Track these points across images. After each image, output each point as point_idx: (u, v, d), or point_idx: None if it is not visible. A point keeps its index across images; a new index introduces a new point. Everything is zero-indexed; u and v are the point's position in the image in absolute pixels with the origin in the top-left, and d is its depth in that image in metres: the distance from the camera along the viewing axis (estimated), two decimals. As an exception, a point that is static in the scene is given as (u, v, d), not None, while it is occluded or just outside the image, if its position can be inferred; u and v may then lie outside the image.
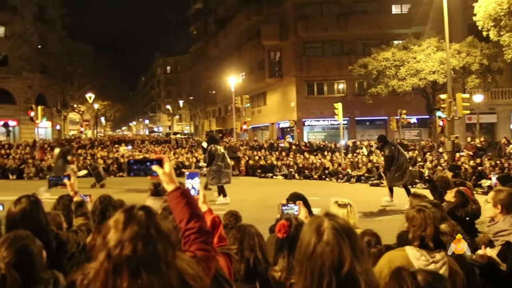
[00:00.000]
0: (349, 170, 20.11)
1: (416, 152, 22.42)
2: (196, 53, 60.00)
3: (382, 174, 11.89)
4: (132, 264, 1.25)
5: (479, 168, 17.12)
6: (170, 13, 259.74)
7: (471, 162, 18.04)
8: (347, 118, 29.45)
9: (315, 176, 20.75)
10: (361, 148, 24.16)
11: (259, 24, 36.76)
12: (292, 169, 21.39)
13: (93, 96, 47.18)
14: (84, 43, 64.23)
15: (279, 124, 37.58)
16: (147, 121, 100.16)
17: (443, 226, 3.22)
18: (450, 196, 5.39)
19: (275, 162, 22.29)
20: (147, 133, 79.96)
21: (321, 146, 26.45)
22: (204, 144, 15.24)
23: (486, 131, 29.66)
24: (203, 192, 2.92)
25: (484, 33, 20.60)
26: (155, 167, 1.82)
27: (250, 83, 39.74)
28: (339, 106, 22.17)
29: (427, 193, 6.52)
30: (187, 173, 3.00)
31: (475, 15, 20.06)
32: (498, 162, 17.92)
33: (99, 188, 16.05)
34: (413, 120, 31.12)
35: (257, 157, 23.51)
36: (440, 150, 21.22)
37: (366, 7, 33.63)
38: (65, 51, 50.46)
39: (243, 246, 2.82)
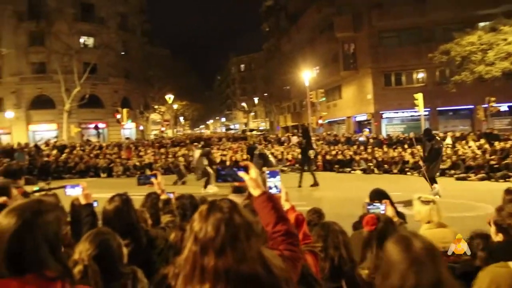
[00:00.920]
0: (432, 163, 19.08)
1: (510, 143, 20.64)
2: (269, 50, 60.35)
3: (421, 164, 12.20)
4: (217, 243, 1.36)
5: None
6: (242, 13, 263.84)
7: None
8: (428, 109, 27.95)
9: (395, 171, 19.97)
10: (444, 140, 22.80)
11: (331, 16, 36.08)
12: (371, 164, 20.81)
13: (172, 97, 49.52)
14: (162, 47, 67.34)
15: (355, 117, 36.67)
16: (223, 119, 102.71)
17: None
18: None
19: (353, 157, 21.85)
20: (223, 130, 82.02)
21: (401, 139, 25.37)
22: (294, 139, 16.37)
23: None
24: (285, 190, 2.95)
25: None
26: (241, 173, 1.92)
27: (325, 77, 39.16)
28: (419, 96, 21.16)
29: None
30: (268, 171, 3.04)
31: None
32: None
33: (181, 185, 16.76)
34: (504, 108, 28.65)
35: (334, 152, 23.15)
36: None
37: (446, -11, 31.48)
38: (145, 56, 53.25)
39: (328, 244, 2.77)
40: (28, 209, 1.48)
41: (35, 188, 4.37)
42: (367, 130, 32.12)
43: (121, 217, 2.75)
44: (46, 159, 23.57)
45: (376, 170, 20.38)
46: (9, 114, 38.05)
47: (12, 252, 1.40)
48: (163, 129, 51.53)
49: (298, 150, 24.22)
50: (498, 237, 2.55)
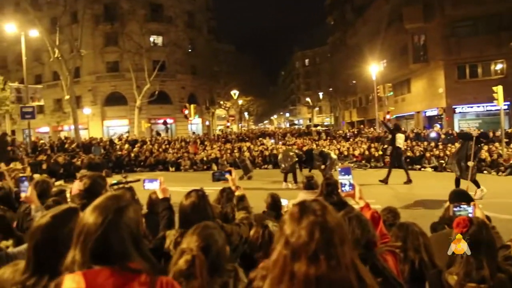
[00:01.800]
0: (512, 161, 17.80)
1: None
2: (334, 44, 59.27)
3: (471, 165, 10.90)
4: (310, 249, 1.27)
5: None
6: (306, 7, 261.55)
7: None
8: (508, 102, 25.98)
9: (470, 169, 18.78)
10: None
11: (400, 7, 34.58)
12: (442, 161, 19.76)
13: (237, 92, 50.28)
14: (228, 44, 68.53)
15: (425, 112, 35.00)
16: (287, 114, 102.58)
17: None
18: None
19: (423, 153, 20.88)
20: (288, 126, 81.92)
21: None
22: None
23: None
24: (358, 187, 2.84)
25: None
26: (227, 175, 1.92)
27: (392, 70, 37.74)
28: (498, 89, 19.68)
29: None
30: (340, 169, 2.95)
31: None
32: None
33: (247, 180, 16.96)
34: None
35: (402, 148, 22.23)
36: None
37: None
38: (211, 52, 54.47)
39: (407, 246, 2.63)
40: (110, 208, 1.55)
41: (113, 181, 4.59)
42: (437, 125, 30.51)
43: (198, 212, 2.78)
44: (119, 153, 24.88)
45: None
46: (87, 110, 40.71)
47: (98, 248, 1.48)
48: (228, 124, 52.49)
49: (365, 146, 23.72)
50: None
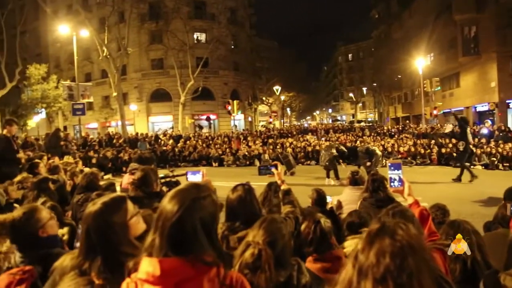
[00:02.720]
0: None
1: None
2: (379, 38, 57.90)
3: None
4: (378, 272, 1.20)
5: None
6: (349, 1, 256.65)
7: None
8: None
9: (526, 167, 17.88)
10: None
11: (450, -2, 33.29)
12: (494, 158, 18.88)
13: (279, 88, 50.20)
14: (270, 39, 68.52)
15: (475, 107, 33.53)
16: (330, 110, 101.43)
17: None
18: None
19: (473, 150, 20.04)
20: (330, 122, 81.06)
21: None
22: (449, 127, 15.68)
23: None
24: (408, 184, 2.78)
25: None
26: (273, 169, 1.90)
27: (440, 64, 36.37)
28: (556, 82, 18.58)
29: None
30: (389, 163, 2.89)
31: None
32: None
33: (289, 176, 16.92)
34: None
35: (450, 145, 21.47)
36: None
37: None
38: (253, 48, 54.61)
39: None
40: (188, 196, 1.59)
41: (161, 175, 4.71)
42: (489, 121, 29.17)
43: (244, 206, 2.81)
44: (164, 148, 25.49)
45: (500, 166, 18.45)
46: (133, 107, 41.99)
47: (174, 235, 1.53)
48: (270, 120, 52.57)
49: (410, 143, 23.06)
50: None
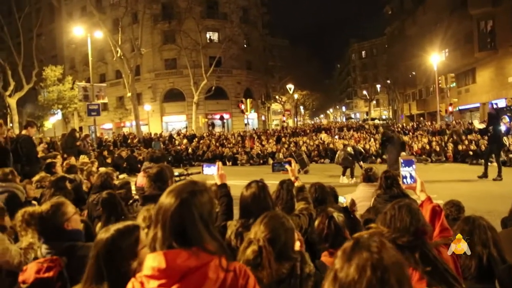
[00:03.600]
0: None
1: None
2: (392, 34, 57.37)
3: None
4: (360, 287, 1.16)
5: None
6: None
7: None
8: None
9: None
10: None
11: (465, -8, 32.79)
12: (511, 155, 18.59)
13: (292, 87, 50.07)
14: (282, 38, 68.37)
15: (492, 103, 32.97)
16: (344, 108, 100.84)
17: None
18: None
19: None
20: (344, 120, 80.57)
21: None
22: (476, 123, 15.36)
23: None
24: (420, 180, 2.77)
25: None
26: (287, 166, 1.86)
27: (456, 60, 35.86)
28: None
29: None
30: (402, 160, 2.88)
31: None
32: None
33: (303, 174, 16.89)
34: None
35: (466, 142, 21.20)
36: None
37: None
38: (266, 47, 54.51)
39: (473, 240, 2.50)
40: (185, 190, 1.66)
41: (176, 173, 4.77)
42: (506, 117, 28.63)
43: (258, 203, 2.83)
44: (178, 147, 25.67)
45: (518, 162, 18.14)
46: (147, 107, 42.31)
47: (176, 227, 1.57)
48: (284, 118, 52.49)
49: (425, 140, 22.82)
50: None
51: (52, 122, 37.17)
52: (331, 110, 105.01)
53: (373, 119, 60.19)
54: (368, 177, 5.06)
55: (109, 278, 1.80)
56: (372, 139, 24.73)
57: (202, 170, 3.49)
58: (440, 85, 31.41)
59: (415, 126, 32.13)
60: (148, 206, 2.65)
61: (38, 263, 2.50)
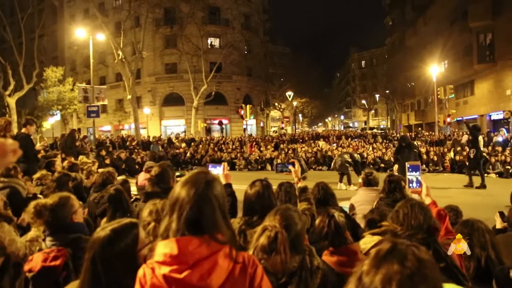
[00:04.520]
0: None
1: None
2: (393, 45, 57.70)
3: None
4: None
5: None
6: (363, 7, 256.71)
7: None
8: None
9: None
10: None
11: (465, 5, 33.02)
12: (509, 166, 18.68)
13: (292, 94, 50.19)
14: (283, 45, 68.64)
15: (490, 115, 33.17)
16: (342, 117, 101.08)
17: None
18: None
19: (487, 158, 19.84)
20: (342, 128, 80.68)
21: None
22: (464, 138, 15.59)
23: None
24: (425, 185, 2.83)
25: None
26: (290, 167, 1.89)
27: (455, 71, 36.09)
28: None
29: None
30: (408, 165, 2.93)
31: None
32: None
33: (302, 181, 16.89)
34: None
35: (464, 153, 21.27)
36: None
37: None
38: (267, 54, 54.70)
39: (472, 243, 2.56)
40: (200, 180, 1.66)
41: (177, 173, 4.79)
42: (503, 129, 28.85)
43: (262, 201, 2.86)
44: (176, 151, 25.67)
45: (515, 174, 18.24)
46: (146, 110, 42.38)
47: (193, 217, 1.59)
48: (282, 125, 52.59)
49: (423, 150, 22.88)
50: None
51: (51, 122, 37.11)
52: (329, 118, 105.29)
53: (371, 129, 60.35)
54: (369, 181, 5.09)
55: (108, 282, 1.70)
56: (370, 148, 24.83)
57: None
58: (438, 96, 31.56)
59: (413, 136, 32.25)
60: (154, 201, 2.67)
61: (44, 253, 2.55)
